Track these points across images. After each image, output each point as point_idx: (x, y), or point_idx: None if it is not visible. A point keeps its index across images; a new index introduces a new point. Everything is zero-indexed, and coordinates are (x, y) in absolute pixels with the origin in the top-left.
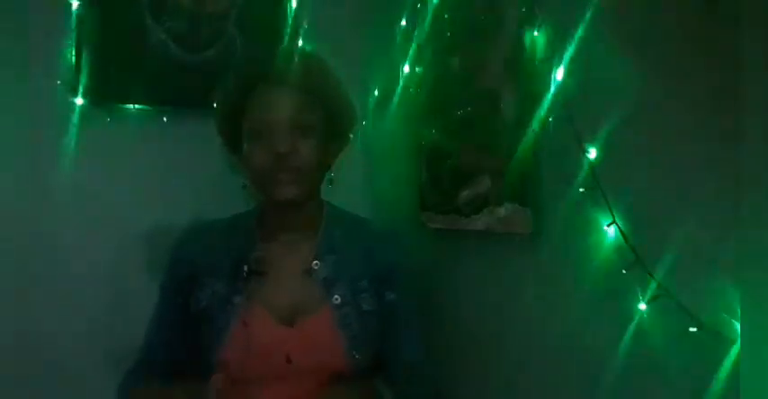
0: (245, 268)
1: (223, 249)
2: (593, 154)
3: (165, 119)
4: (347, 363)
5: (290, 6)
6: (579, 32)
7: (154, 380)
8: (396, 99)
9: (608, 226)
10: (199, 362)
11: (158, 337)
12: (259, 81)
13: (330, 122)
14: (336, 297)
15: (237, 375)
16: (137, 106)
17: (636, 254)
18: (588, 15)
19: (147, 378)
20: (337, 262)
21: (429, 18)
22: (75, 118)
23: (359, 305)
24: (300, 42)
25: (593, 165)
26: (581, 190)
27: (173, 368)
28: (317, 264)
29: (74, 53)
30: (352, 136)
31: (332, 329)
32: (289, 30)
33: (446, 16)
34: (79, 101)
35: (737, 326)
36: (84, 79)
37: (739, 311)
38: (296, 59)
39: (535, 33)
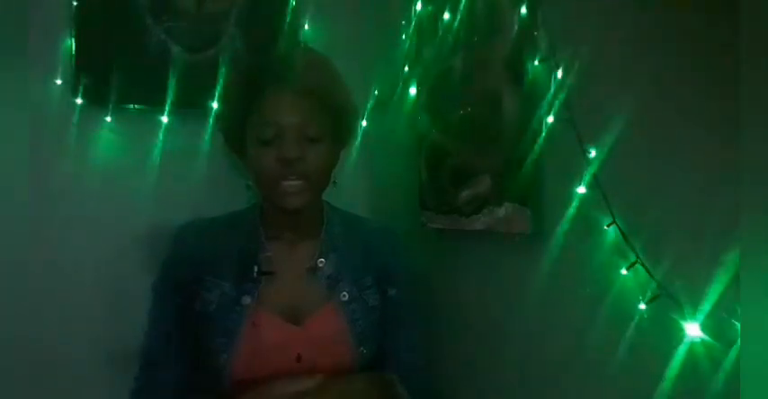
0: (256, 268)
1: (227, 248)
2: (593, 154)
3: (164, 119)
4: (355, 358)
5: (291, 6)
6: (579, 33)
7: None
8: (396, 99)
9: (608, 226)
10: (204, 364)
11: (161, 342)
12: (267, 83)
13: (337, 124)
14: (344, 293)
15: (247, 375)
16: (137, 106)
17: (636, 254)
18: (589, 16)
19: (160, 390)
20: (340, 260)
21: (429, 18)
22: (75, 118)
23: (365, 300)
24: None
25: (594, 165)
26: (581, 190)
27: (180, 373)
28: (321, 262)
29: (74, 53)
30: (354, 136)
31: (340, 325)
32: (289, 30)
33: (446, 16)
34: (79, 101)
35: (737, 326)
36: (84, 79)
37: (739, 311)
38: (303, 61)
39: (535, 34)
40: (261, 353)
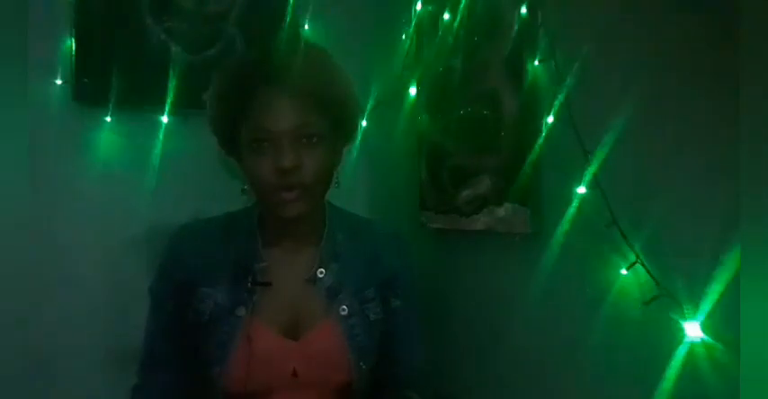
0: (250, 279)
1: (223, 254)
2: (593, 154)
3: (165, 119)
4: (353, 373)
5: (291, 6)
6: (579, 33)
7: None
8: (396, 99)
9: (608, 226)
10: (199, 373)
11: (157, 345)
12: (260, 83)
13: (337, 121)
14: (343, 307)
15: (240, 388)
16: (137, 106)
17: (636, 255)
18: (588, 16)
19: (158, 392)
20: (342, 270)
21: (429, 18)
22: (75, 118)
23: (366, 315)
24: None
25: (593, 165)
26: (581, 190)
27: (176, 375)
28: (321, 272)
29: (74, 53)
30: (356, 131)
31: (338, 341)
32: (289, 30)
33: (446, 16)
34: (79, 101)
35: (737, 326)
36: (84, 79)
37: (739, 311)
38: (297, 58)
39: (535, 34)
40: (255, 367)
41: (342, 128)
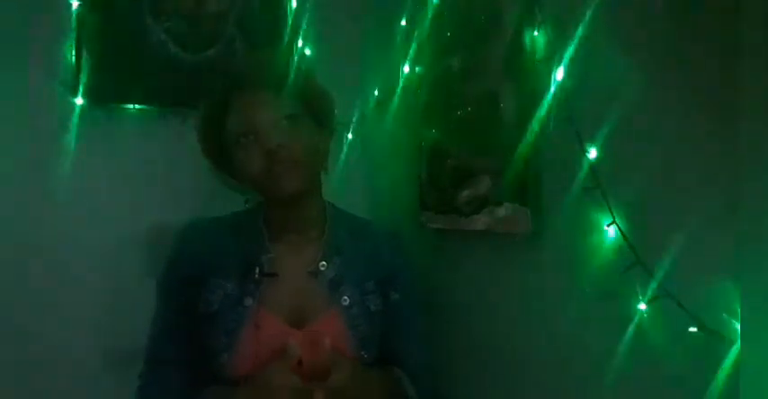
0: (257, 270)
1: (231, 248)
2: (593, 154)
3: (164, 119)
4: None
5: (290, 6)
6: (579, 32)
7: (173, 389)
8: (396, 99)
9: (608, 225)
10: (205, 364)
11: (165, 339)
12: (233, 90)
13: (312, 113)
14: (345, 298)
15: (247, 375)
16: (137, 106)
17: (636, 254)
18: (588, 15)
19: (165, 387)
20: (343, 264)
21: (429, 18)
22: (75, 118)
23: (367, 305)
24: (300, 42)
25: (593, 165)
26: (581, 190)
27: (183, 369)
28: (323, 265)
29: (74, 53)
30: (336, 125)
31: (341, 330)
32: (288, 30)
33: (446, 16)
34: (79, 101)
35: (737, 326)
36: (84, 79)
37: (739, 311)
38: (268, 65)
39: (535, 33)
40: (261, 355)
41: (316, 115)
